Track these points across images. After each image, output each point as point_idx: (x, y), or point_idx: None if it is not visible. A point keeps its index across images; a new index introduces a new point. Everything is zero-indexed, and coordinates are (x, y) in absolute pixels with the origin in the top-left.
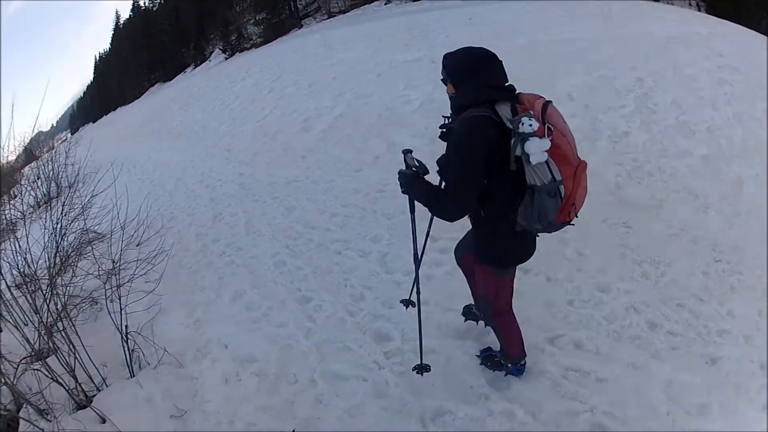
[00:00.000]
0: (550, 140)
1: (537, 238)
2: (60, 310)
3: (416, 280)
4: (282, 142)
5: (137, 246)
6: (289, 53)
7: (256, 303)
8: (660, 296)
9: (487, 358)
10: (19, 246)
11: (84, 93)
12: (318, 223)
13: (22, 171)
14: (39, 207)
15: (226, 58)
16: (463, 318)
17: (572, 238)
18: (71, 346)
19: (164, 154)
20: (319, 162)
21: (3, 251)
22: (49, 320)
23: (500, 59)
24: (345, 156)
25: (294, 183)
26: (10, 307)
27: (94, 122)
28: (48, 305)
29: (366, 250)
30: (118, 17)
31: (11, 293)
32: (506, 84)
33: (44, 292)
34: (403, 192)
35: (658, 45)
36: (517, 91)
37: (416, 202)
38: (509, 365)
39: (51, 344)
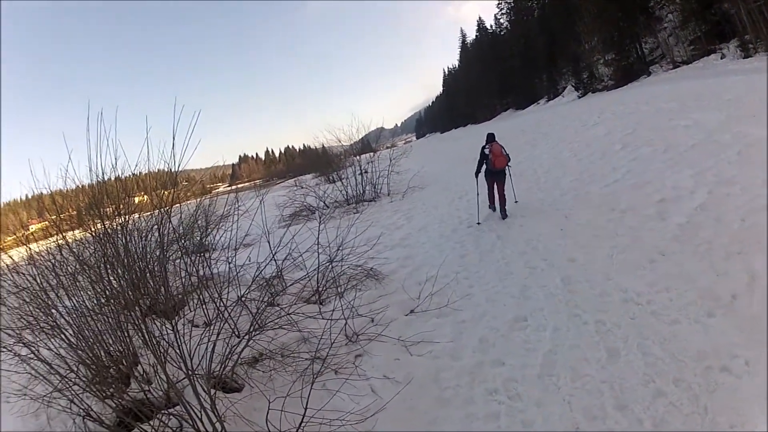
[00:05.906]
0: (489, 149)
1: (506, 176)
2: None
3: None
4: (630, 227)
5: (407, 314)
6: (642, 103)
7: None
8: None
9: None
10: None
11: (432, 103)
12: (641, 406)
13: (353, 158)
14: (346, 205)
15: (579, 97)
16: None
17: None
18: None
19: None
20: (668, 277)
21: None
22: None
23: (493, 132)
24: (700, 279)
25: (631, 304)
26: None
27: (441, 132)
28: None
29: None
30: (464, 36)
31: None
32: (492, 139)
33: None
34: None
35: None
36: (494, 140)
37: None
38: (489, 206)
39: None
